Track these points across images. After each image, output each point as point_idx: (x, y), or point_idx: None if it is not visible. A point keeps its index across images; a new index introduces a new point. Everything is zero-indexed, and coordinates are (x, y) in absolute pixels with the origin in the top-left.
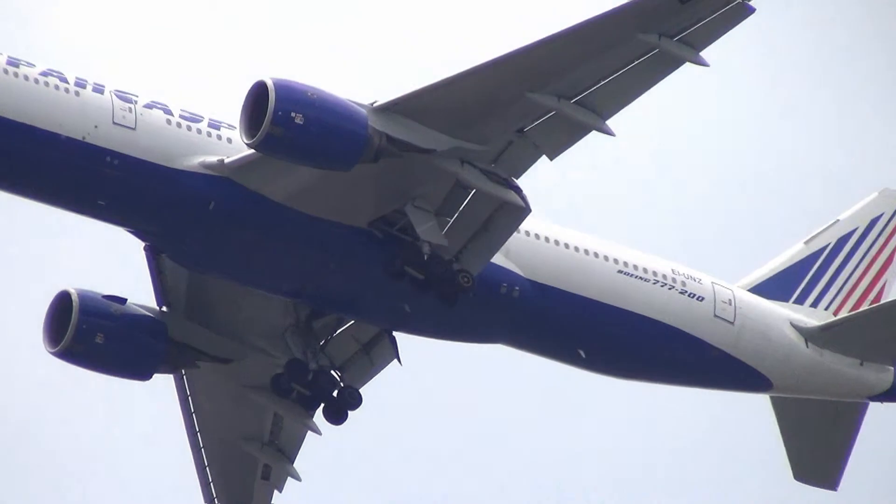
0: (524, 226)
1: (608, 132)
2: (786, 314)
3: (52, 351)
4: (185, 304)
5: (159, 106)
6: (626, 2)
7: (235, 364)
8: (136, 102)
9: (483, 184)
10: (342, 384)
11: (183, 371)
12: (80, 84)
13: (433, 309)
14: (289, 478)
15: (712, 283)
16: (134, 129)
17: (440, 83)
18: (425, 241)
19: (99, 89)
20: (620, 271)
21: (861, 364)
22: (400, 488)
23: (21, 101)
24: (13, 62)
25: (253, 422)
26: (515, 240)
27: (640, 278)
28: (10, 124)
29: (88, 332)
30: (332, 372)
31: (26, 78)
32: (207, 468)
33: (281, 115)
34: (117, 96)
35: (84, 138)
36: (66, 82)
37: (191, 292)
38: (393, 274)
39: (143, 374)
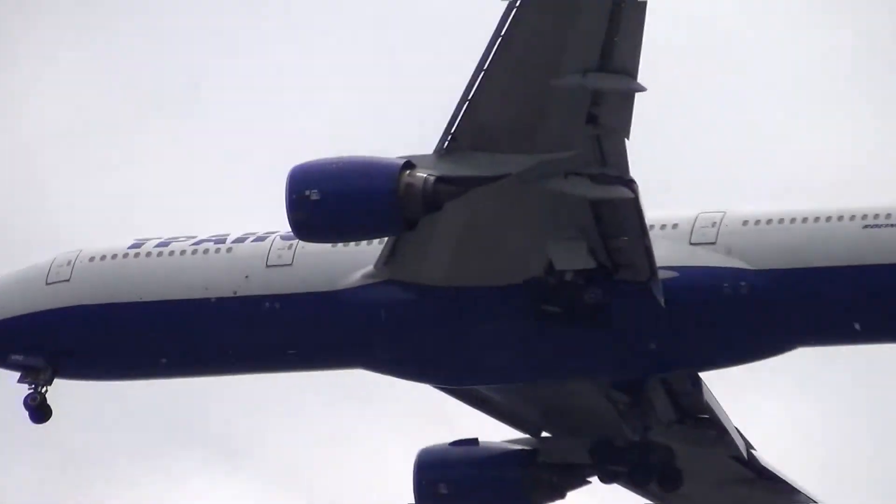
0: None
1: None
2: None
3: None
4: (546, 421)
5: None
6: None
7: None
8: None
9: (590, 190)
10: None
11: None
12: (240, 240)
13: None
14: None
15: None
16: (290, 264)
17: (461, 106)
18: (566, 270)
19: (262, 238)
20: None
21: None
22: None
23: (152, 281)
24: (136, 244)
25: None
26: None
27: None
28: (164, 307)
29: (428, 487)
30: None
31: (148, 255)
32: None
33: (296, 199)
34: (283, 238)
35: (235, 293)
36: (222, 243)
37: (534, 409)
38: (541, 317)
39: None
